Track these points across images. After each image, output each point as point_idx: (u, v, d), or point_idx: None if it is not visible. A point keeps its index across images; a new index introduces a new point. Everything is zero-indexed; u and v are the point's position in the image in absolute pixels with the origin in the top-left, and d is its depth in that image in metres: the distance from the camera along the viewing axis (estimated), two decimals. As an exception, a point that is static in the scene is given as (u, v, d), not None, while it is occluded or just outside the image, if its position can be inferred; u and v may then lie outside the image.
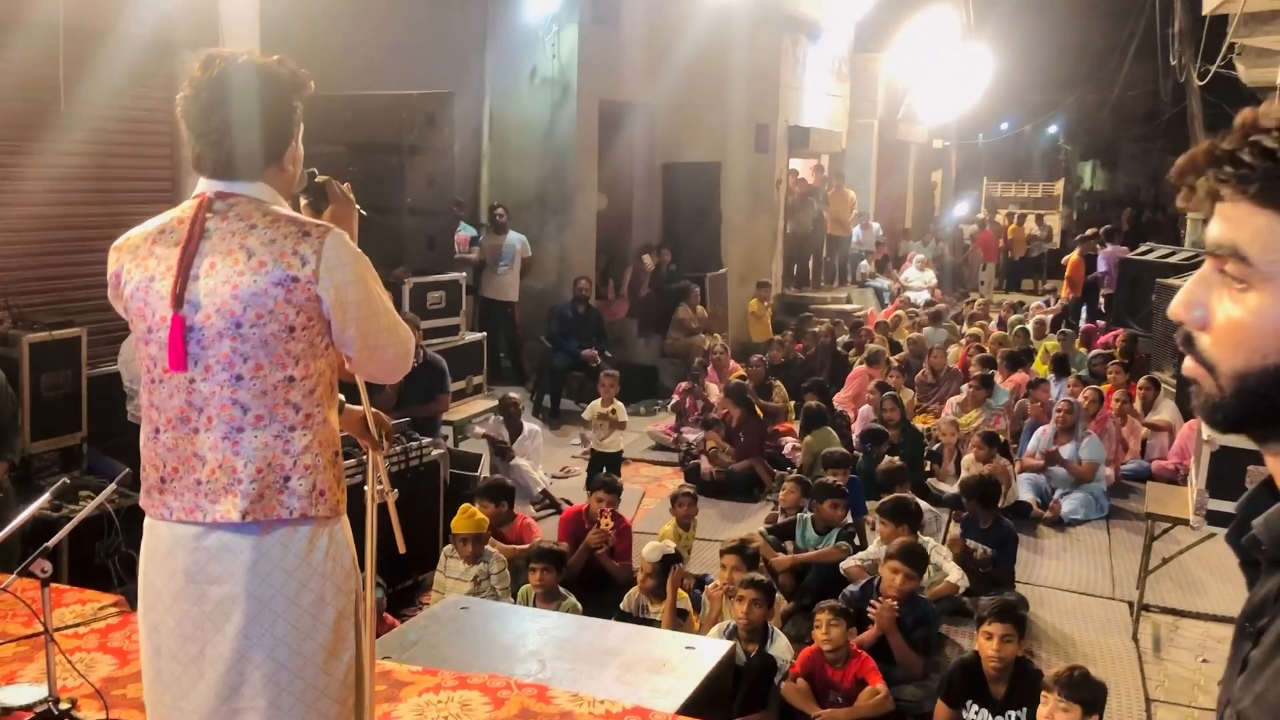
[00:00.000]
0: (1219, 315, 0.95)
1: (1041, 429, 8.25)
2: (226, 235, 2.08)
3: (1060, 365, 10.04)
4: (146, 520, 2.21)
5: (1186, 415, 8.52)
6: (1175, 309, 0.99)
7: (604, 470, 7.28)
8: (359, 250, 2.17)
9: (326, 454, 2.16)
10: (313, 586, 2.12)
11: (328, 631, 2.15)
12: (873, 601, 4.95)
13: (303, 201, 2.35)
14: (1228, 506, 5.33)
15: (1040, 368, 10.55)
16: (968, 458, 7.74)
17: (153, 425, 2.16)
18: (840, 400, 9.69)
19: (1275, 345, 0.91)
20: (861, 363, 10.37)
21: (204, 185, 2.16)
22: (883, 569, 5.12)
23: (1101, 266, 15.42)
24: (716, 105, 13.48)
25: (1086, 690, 3.71)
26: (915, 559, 5.09)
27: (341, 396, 2.61)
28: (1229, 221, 0.93)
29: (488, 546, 5.46)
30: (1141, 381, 9.38)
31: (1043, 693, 3.79)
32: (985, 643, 4.23)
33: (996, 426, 8.52)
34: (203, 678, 2.11)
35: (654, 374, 11.19)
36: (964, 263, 20.81)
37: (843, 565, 5.77)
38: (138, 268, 2.15)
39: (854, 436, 8.51)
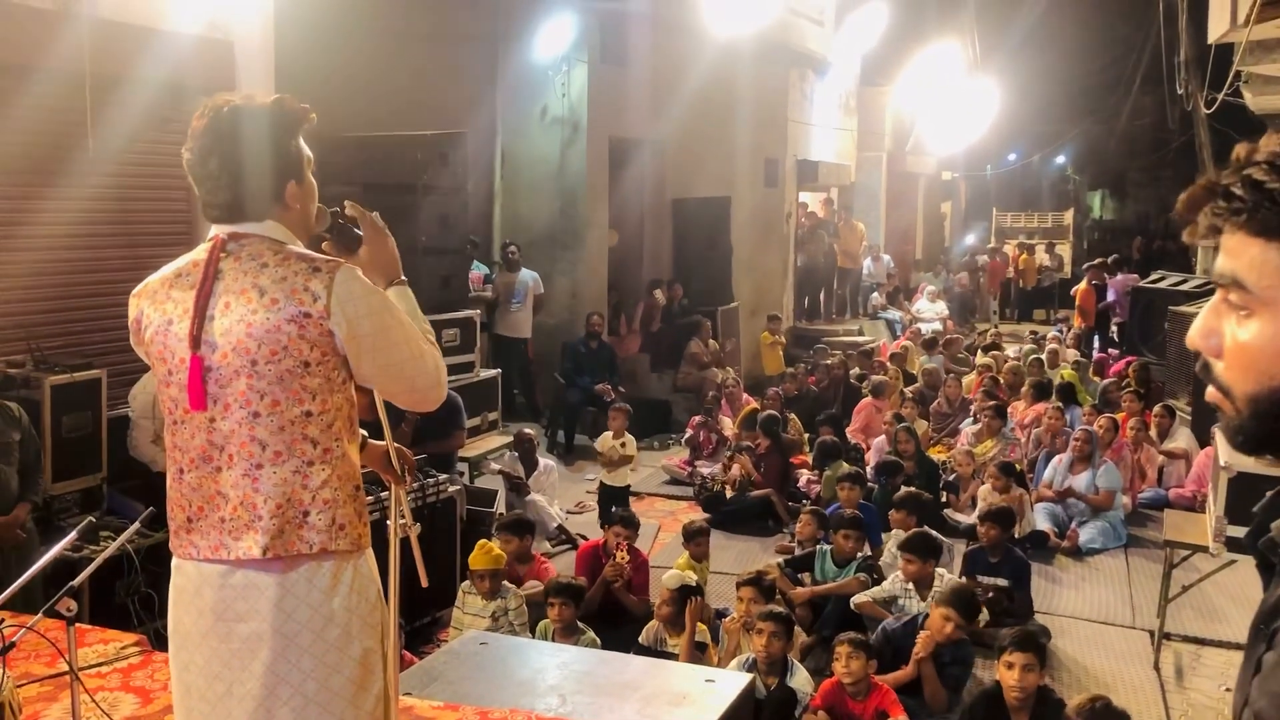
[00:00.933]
0: (1228, 342, 1.00)
1: (1057, 458, 8.23)
2: (239, 275, 2.12)
3: (1068, 394, 9.98)
4: (174, 560, 2.23)
5: (1203, 442, 8.49)
6: (1192, 338, 1.04)
7: (613, 505, 7.29)
8: (371, 284, 2.19)
9: (346, 488, 2.17)
10: (339, 622, 2.14)
11: (354, 666, 2.16)
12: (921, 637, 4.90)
13: (323, 244, 2.39)
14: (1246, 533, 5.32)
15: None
16: (984, 488, 7.72)
17: (177, 466, 2.20)
18: (851, 433, 9.69)
19: None
20: (869, 393, 10.38)
21: (215, 229, 2.21)
22: (934, 612, 5.00)
23: (1110, 295, 15.43)
24: (725, 140, 13.59)
25: None
26: (967, 607, 5.03)
27: (364, 432, 2.65)
28: (1228, 252, 0.99)
29: (505, 583, 5.46)
30: (1157, 409, 9.36)
31: None
32: (1006, 672, 4.21)
33: (1013, 456, 8.52)
34: (231, 715, 2.13)
35: (667, 408, 11.22)
36: (975, 292, 20.80)
37: (854, 601, 5.73)
38: (156, 312, 2.19)
39: (868, 469, 8.49)
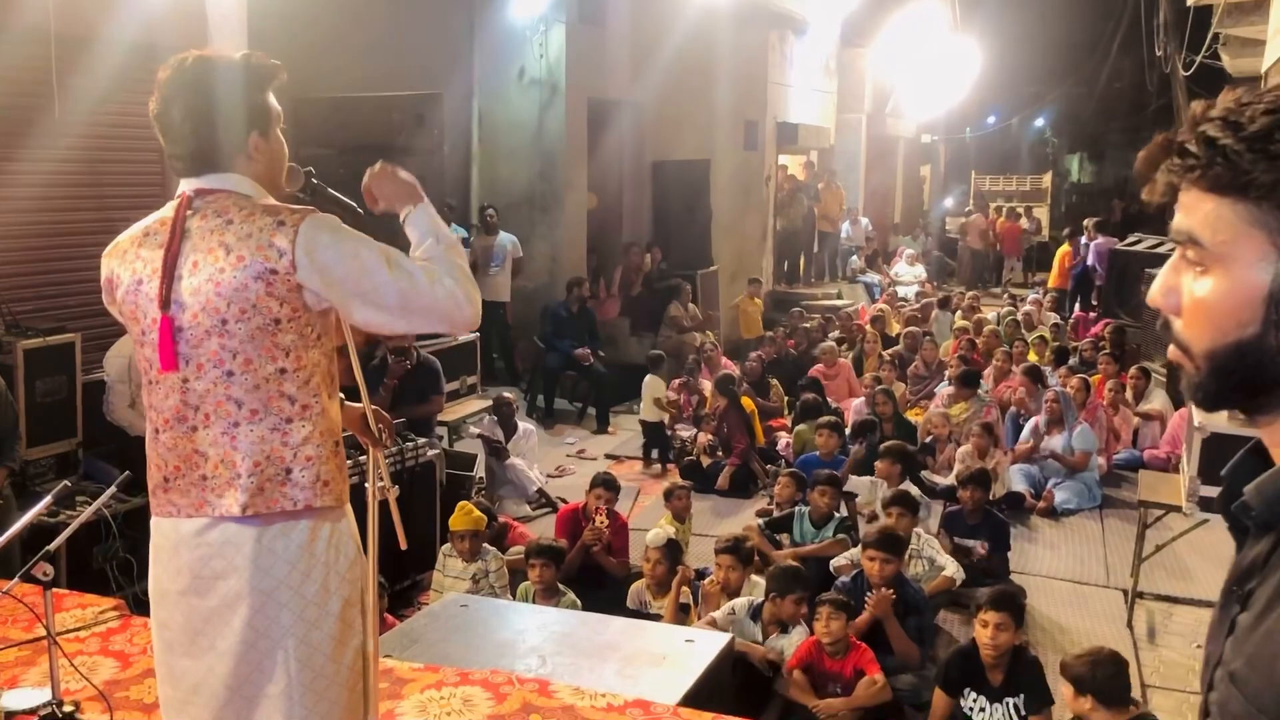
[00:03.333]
0: (1186, 299, 1.01)
1: (1034, 419, 8.29)
2: (206, 233, 2.09)
3: (1036, 375, 9.98)
4: (152, 520, 2.22)
5: (1178, 404, 8.58)
6: (1153, 296, 1.06)
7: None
8: (341, 226, 2.12)
9: (328, 444, 2.16)
10: (316, 576, 2.14)
11: (334, 620, 2.17)
12: (868, 595, 4.98)
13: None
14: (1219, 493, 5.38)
15: (1032, 356, 10.58)
16: (963, 449, 7.77)
17: (153, 426, 2.19)
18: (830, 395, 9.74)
19: (1234, 322, 0.97)
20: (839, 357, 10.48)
21: (183, 185, 2.18)
22: (863, 559, 5.16)
23: (1090, 258, 15.49)
24: (704, 102, 13.50)
25: (1117, 684, 3.73)
26: (891, 544, 5.12)
27: (341, 395, 2.63)
28: (1184, 209, 1.00)
29: (485, 545, 5.47)
30: (1132, 371, 9.43)
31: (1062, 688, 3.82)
32: (981, 630, 4.26)
33: (988, 418, 8.57)
34: (213, 671, 2.14)
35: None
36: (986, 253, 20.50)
37: (833, 564, 5.79)
38: (126, 271, 2.17)
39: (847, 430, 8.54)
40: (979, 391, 8.98)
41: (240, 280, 2.04)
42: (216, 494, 2.11)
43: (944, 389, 9.23)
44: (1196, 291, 1.00)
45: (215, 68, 2.16)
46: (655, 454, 8.88)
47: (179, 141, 2.16)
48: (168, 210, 2.18)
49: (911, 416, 9.07)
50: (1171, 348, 1.05)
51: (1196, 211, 0.98)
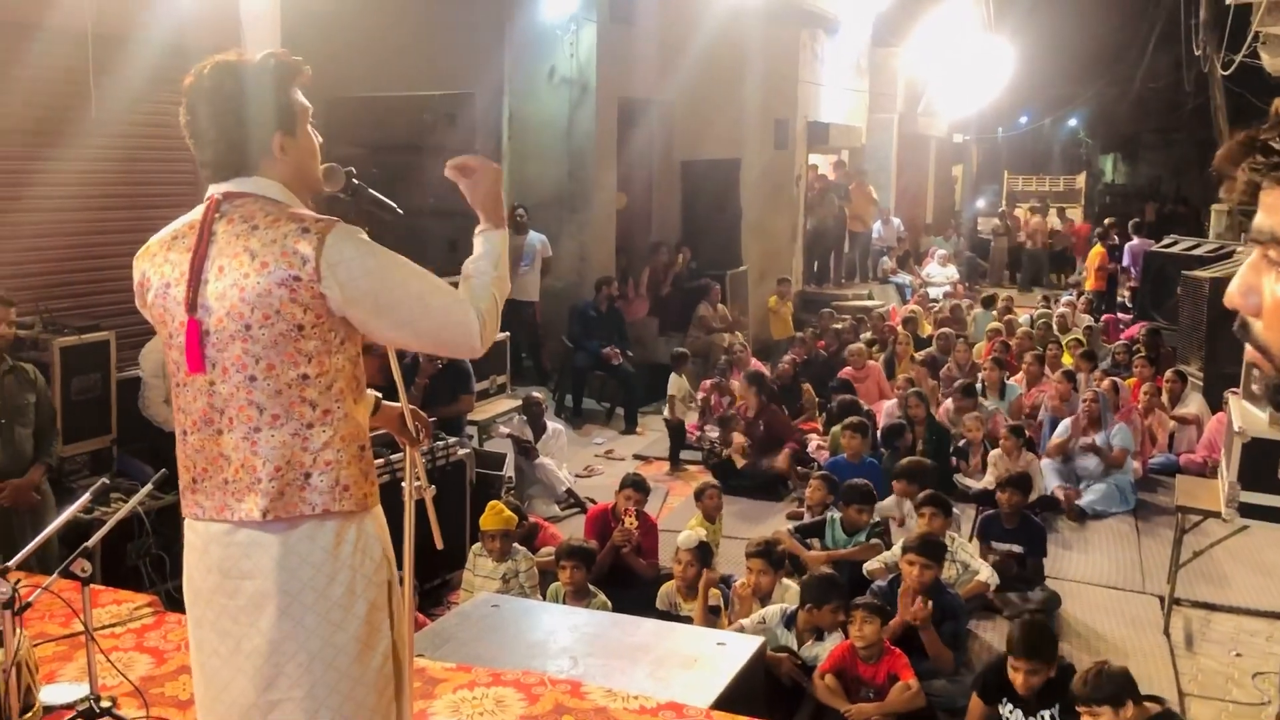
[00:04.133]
0: (1268, 300, 0.98)
1: (1068, 420, 8.21)
2: (231, 238, 2.09)
3: (1088, 359, 9.97)
4: (185, 520, 2.24)
5: (1215, 408, 8.46)
6: (1230, 296, 1.02)
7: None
8: (364, 238, 2.13)
9: (350, 449, 2.15)
10: (341, 580, 2.14)
11: (359, 623, 2.16)
12: (901, 595, 4.94)
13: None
14: (1260, 499, 5.30)
15: (1067, 359, 10.48)
16: (995, 452, 7.71)
17: (181, 428, 2.21)
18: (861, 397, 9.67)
19: None
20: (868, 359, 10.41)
21: (212, 189, 2.19)
22: (901, 563, 5.11)
23: (1125, 259, 15.33)
24: (734, 101, 13.45)
25: (1108, 686, 3.69)
26: (932, 549, 5.08)
27: (378, 394, 2.63)
28: (1267, 209, 0.96)
29: (515, 545, 5.47)
30: (1168, 374, 9.31)
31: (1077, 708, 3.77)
32: (1014, 675, 4.15)
33: (995, 421, 8.52)
34: (241, 671, 2.15)
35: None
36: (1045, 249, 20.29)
37: (866, 567, 5.75)
38: (155, 274, 2.19)
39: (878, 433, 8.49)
40: (985, 404, 8.88)
41: (264, 286, 2.05)
42: (237, 498, 2.12)
43: (947, 403, 9.10)
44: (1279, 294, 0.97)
45: (234, 72, 2.16)
46: (681, 455, 8.85)
47: (205, 148, 2.17)
48: (196, 214, 2.19)
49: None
50: (1249, 349, 1.02)
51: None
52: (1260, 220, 0.98)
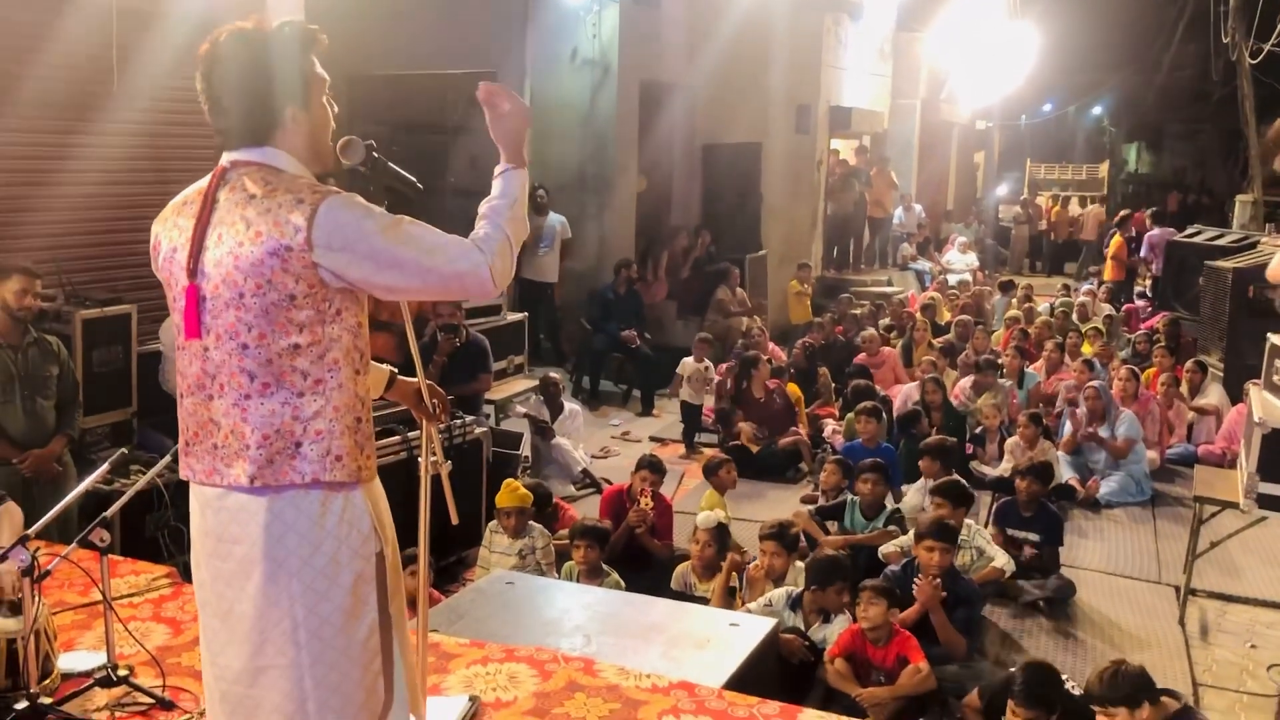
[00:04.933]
0: None
1: (1074, 411, 8.17)
2: (231, 206, 2.11)
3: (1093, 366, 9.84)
4: (189, 484, 2.28)
5: (1235, 399, 8.40)
6: (1274, 271, 0.99)
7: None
8: (361, 202, 2.12)
9: (344, 419, 2.16)
10: (326, 549, 2.15)
11: (344, 594, 2.17)
12: (916, 580, 4.94)
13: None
14: (1279, 490, 5.26)
15: (1087, 348, 10.43)
16: (1012, 440, 7.69)
17: (179, 390, 2.25)
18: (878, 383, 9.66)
19: None
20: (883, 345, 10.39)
21: (224, 157, 2.20)
22: (917, 549, 5.11)
23: (1144, 249, 15.22)
24: (757, 86, 13.39)
25: (1124, 686, 3.66)
26: (946, 533, 5.08)
27: (394, 369, 2.64)
28: None
29: (531, 522, 5.49)
30: (1188, 365, 9.26)
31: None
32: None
33: (1013, 409, 8.49)
34: (234, 634, 2.19)
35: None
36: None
37: (881, 550, 5.76)
38: (165, 238, 2.22)
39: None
40: (999, 382, 8.88)
41: (257, 255, 2.06)
42: (225, 463, 2.14)
43: (963, 381, 9.08)
44: None
45: (249, 40, 2.16)
46: (697, 438, 8.86)
47: (219, 116, 2.18)
48: (205, 181, 2.21)
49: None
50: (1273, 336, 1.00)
51: None
52: None
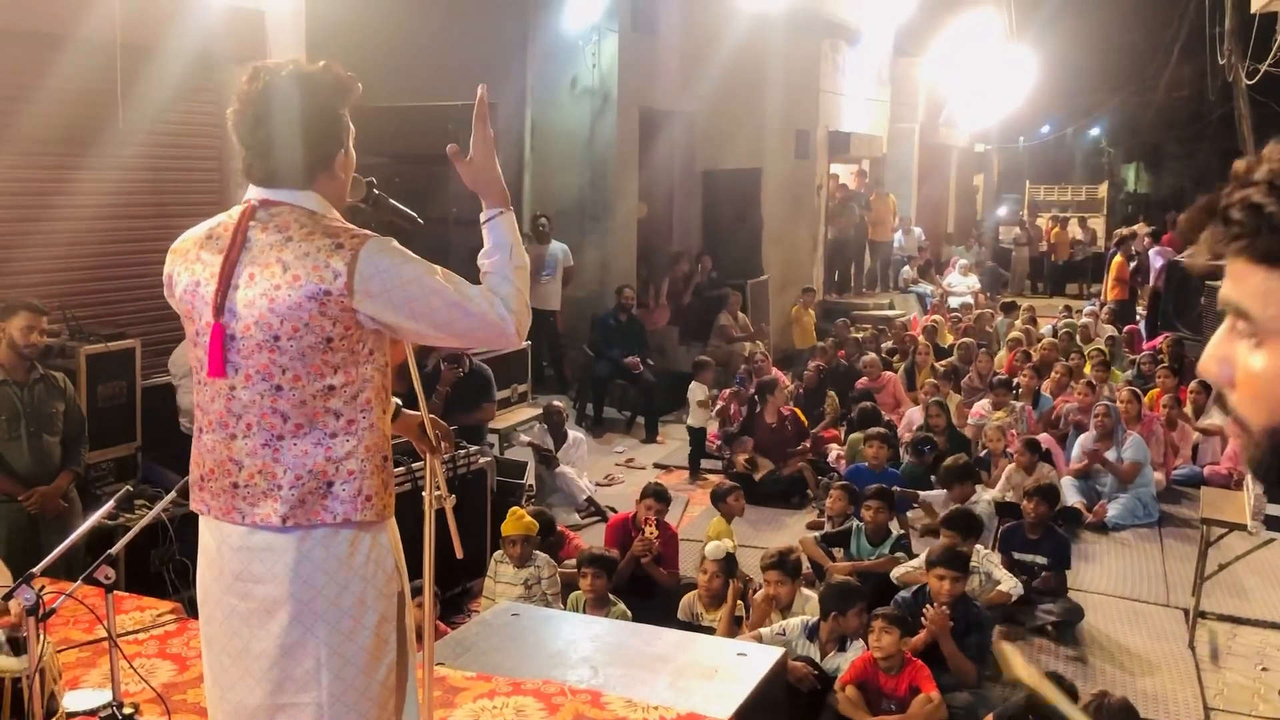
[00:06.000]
0: (1240, 372, 0.94)
1: (1084, 435, 8.16)
2: (265, 248, 2.10)
3: (1102, 368, 9.88)
4: (200, 519, 2.26)
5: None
6: (1204, 366, 0.98)
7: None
8: (398, 248, 2.14)
9: (374, 459, 2.16)
10: (353, 589, 2.15)
11: (369, 634, 2.17)
12: (926, 607, 4.91)
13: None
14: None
15: (1088, 370, 10.41)
16: (1010, 467, 7.63)
17: (198, 425, 2.23)
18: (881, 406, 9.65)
19: None
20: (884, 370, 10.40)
21: (252, 192, 2.19)
22: (928, 577, 5.08)
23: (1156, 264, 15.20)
24: (755, 111, 13.46)
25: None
26: (957, 561, 5.06)
27: (398, 401, 2.63)
28: (1232, 278, 0.92)
29: (536, 552, 5.47)
30: (1192, 385, 9.23)
31: None
32: None
33: (1032, 427, 8.48)
34: (249, 672, 2.16)
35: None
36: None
37: (894, 574, 5.73)
38: (186, 271, 2.20)
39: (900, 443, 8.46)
40: (1012, 400, 8.89)
41: (294, 299, 2.06)
42: (249, 503, 2.12)
43: (981, 403, 9.08)
44: (1252, 365, 0.92)
45: (305, 83, 2.15)
46: (702, 464, 8.84)
47: (266, 156, 2.15)
48: (230, 216, 2.20)
49: (967, 430, 8.94)
50: (1229, 421, 0.97)
51: (1245, 282, 0.91)
52: (1226, 289, 0.93)
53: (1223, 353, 0.96)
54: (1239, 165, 0.93)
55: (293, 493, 2.09)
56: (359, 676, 2.16)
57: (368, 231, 2.16)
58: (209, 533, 2.22)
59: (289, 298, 2.06)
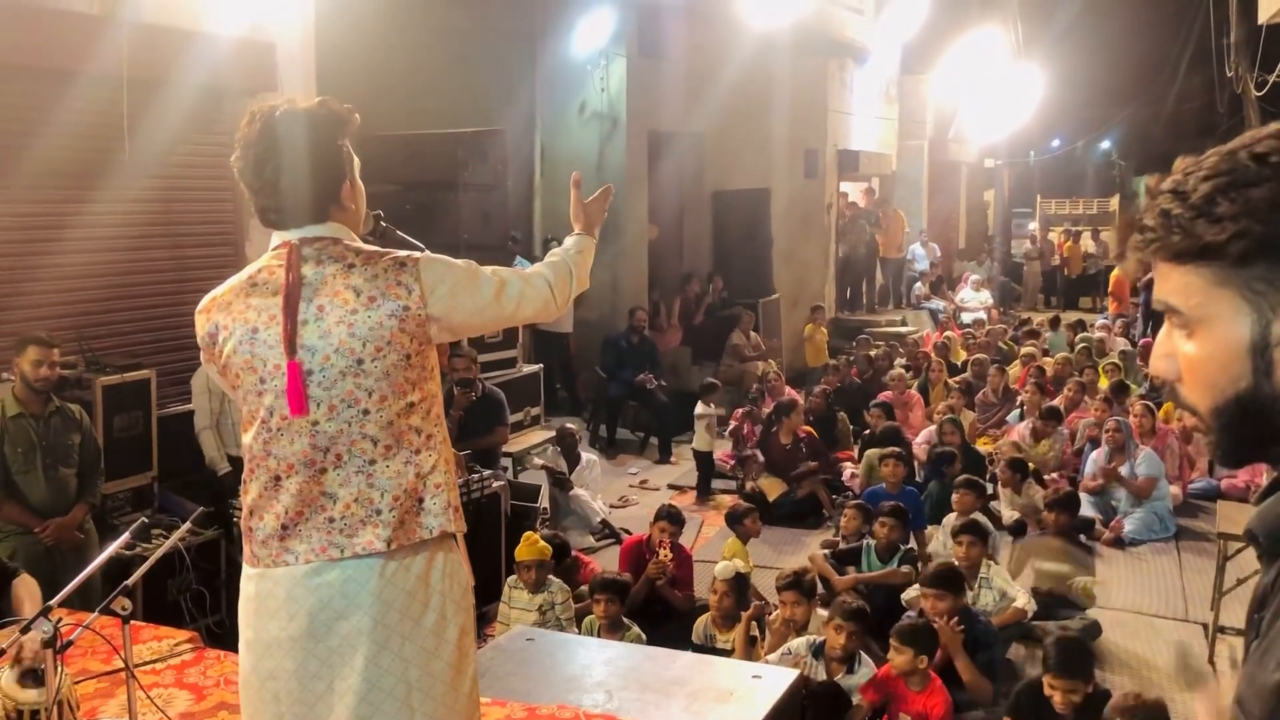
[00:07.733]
0: (1182, 363, 1.04)
1: (1097, 451, 8.12)
2: (328, 279, 2.14)
3: (1120, 390, 9.73)
4: (249, 571, 2.21)
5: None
6: (1153, 366, 1.09)
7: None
8: (444, 257, 2.26)
9: (451, 471, 2.24)
10: (434, 606, 2.17)
11: (452, 649, 2.19)
12: (933, 620, 4.89)
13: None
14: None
15: (1103, 382, 10.37)
16: (1007, 493, 7.62)
17: (271, 474, 2.17)
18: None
19: (1227, 377, 1.00)
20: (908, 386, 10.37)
21: (282, 235, 2.22)
22: (922, 600, 5.07)
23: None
24: (763, 132, 13.51)
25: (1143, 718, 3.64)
26: (947, 581, 5.05)
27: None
28: (1159, 279, 1.04)
29: (550, 577, 5.47)
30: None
31: None
32: (1052, 691, 4.12)
33: (1067, 455, 8.45)
34: (332, 711, 2.13)
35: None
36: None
37: (905, 596, 5.71)
38: (235, 322, 2.17)
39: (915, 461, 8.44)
40: (1059, 429, 8.83)
41: (375, 319, 2.11)
42: (347, 534, 2.12)
43: (1021, 425, 9.04)
44: (1189, 354, 1.03)
45: (301, 121, 2.19)
46: (713, 484, 8.81)
47: (276, 197, 2.18)
48: (272, 259, 2.20)
49: (981, 445, 8.91)
50: (1185, 414, 1.08)
51: (1168, 281, 1.02)
52: (1156, 291, 1.05)
53: (1166, 350, 1.06)
54: (1149, 181, 1.06)
55: (393, 514, 2.12)
56: (448, 693, 2.18)
57: (416, 251, 2.29)
58: (275, 582, 2.16)
59: (369, 319, 2.11)
